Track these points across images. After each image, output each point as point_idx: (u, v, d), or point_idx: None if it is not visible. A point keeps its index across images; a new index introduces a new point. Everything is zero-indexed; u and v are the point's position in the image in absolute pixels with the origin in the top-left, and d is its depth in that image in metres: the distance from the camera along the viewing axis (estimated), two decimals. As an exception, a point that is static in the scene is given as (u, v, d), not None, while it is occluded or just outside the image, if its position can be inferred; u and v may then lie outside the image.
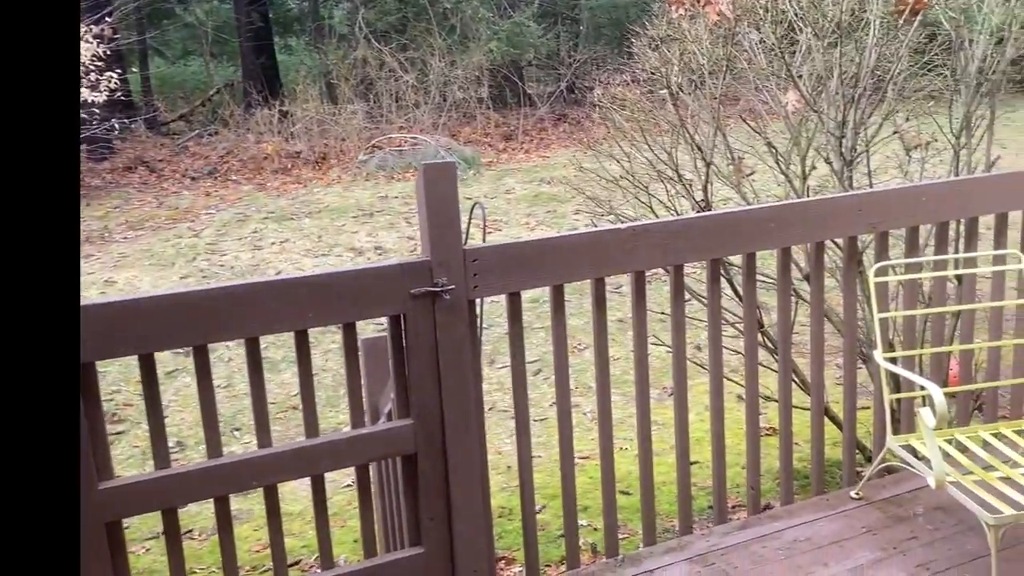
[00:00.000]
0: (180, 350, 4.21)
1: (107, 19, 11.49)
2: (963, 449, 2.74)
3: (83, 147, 11.83)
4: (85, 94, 9.56)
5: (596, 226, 2.99)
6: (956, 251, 3.22)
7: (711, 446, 2.82)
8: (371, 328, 5.21)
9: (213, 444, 2.19)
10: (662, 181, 4.07)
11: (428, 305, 2.23)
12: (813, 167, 3.77)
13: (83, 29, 9.61)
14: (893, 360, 2.93)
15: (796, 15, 3.70)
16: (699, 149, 3.82)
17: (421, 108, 13.36)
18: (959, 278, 3.12)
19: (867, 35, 3.52)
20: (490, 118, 14.05)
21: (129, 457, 4.90)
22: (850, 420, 2.97)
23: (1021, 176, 3.07)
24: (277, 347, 6.11)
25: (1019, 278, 2.93)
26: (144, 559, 4.03)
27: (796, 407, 2.98)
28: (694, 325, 3.59)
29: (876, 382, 2.93)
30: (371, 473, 2.68)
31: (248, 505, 4.34)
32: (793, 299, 3.12)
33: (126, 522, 2.22)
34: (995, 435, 2.80)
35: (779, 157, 3.77)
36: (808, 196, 3.65)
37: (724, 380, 2.81)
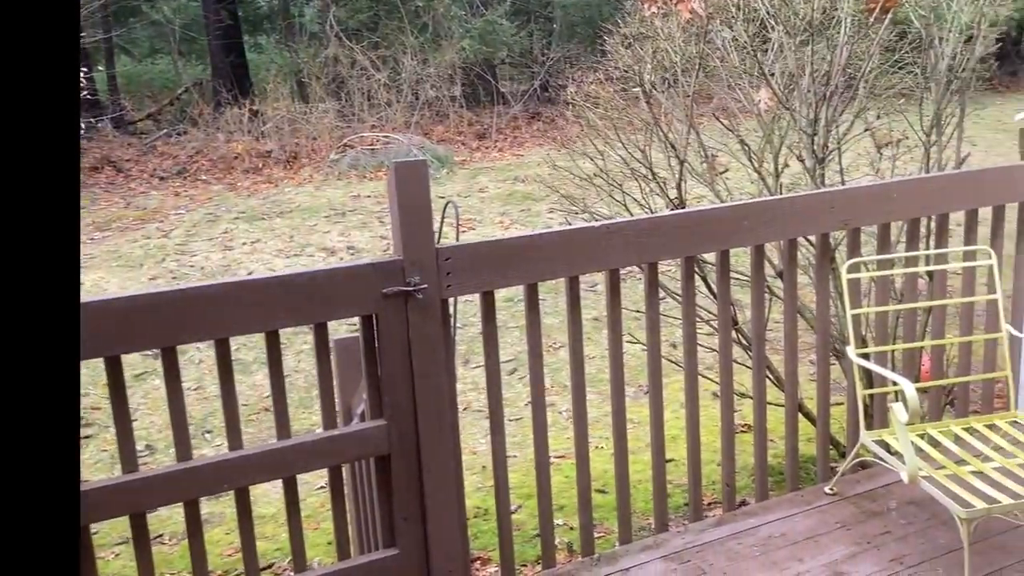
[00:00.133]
0: (149, 352, 4.15)
1: (73, 16, 11.29)
2: (935, 444, 2.76)
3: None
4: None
5: (570, 224, 2.98)
6: (927, 247, 3.25)
7: (686, 443, 2.82)
8: (344, 328, 5.17)
9: (182, 447, 2.15)
10: (636, 179, 4.07)
11: (400, 305, 2.21)
12: (786, 165, 3.79)
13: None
14: (866, 356, 2.95)
15: (768, 13, 3.72)
16: (672, 147, 3.82)
17: (393, 107, 13.29)
18: (930, 274, 3.14)
19: (838, 33, 3.54)
20: (463, 117, 14.01)
21: (97, 461, 4.82)
22: (824, 416, 2.99)
23: (991, 173, 3.10)
24: (249, 348, 6.04)
25: (989, 274, 2.96)
26: (113, 564, 3.97)
27: (770, 404, 2.99)
28: (669, 323, 3.59)
29: (849, 378, 2.95)
30: (344, 474, 2.66)
31: (220, 508, 4.28)
32: (767, 296, 3.12)
33: (94, 527, 2.18)
34: (966, 429, 2.83)
35: (752, 155, 3.79)
36: (781, 194, 3.67)
37: (699, 377, 2.81)
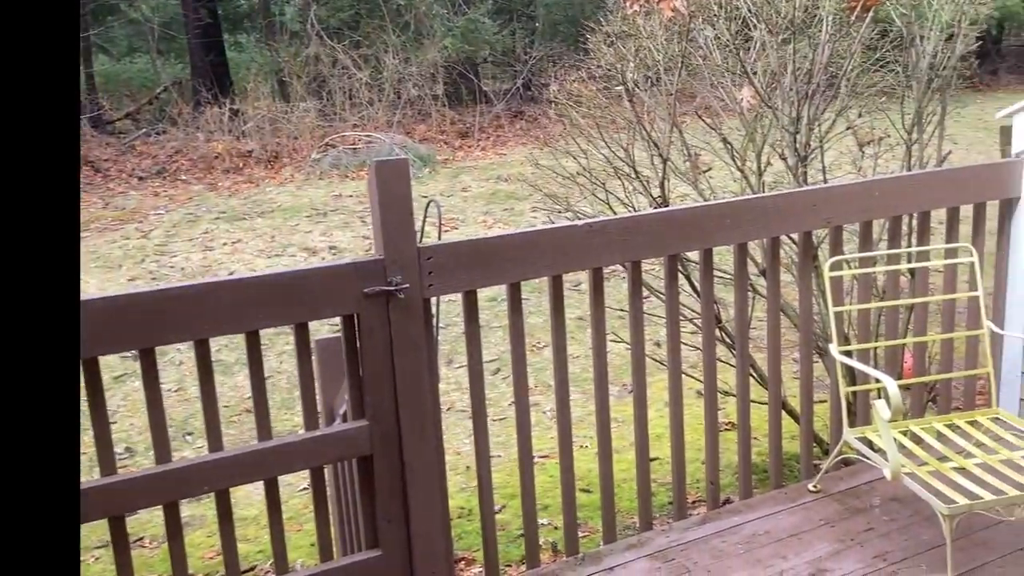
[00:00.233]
0: (127, 353, 4.10)
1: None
2: (918, 440, 2.77)
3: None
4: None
5: (553, 223, 2.97)
6: (909, 245, 3.26)
7: (670, 442, 2.82)
8: (326, 329, 5.14)
9: (161, 449, 2.13)
10: (619, 178, 4.06)
11: (382, 304, 2.20)
12: (769, 163, 3.80)
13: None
14: (848, 353, 2.96)
15: (750, 11, 3.72)
16: (656, 145, 3.82)
17: (375, 106, 13.24)
18: (912, 272, 3.15)
19: (820, 31, 3.54)
20: (445, 116, 13.98)
21: (76, 464, 4.76)
22: (807, 413, 2.99)
23: (972, 171, 3.12)
24: (231, 349, 6.00)
25: (971, 271, 2.97)
26: (94, 568, 3.92)
27: (754, 401, 2.99)
28: (653, 321, 3.59)
29: (832, 376, 2.96)
30: (327, 476, 2.64)
31: (201, 511, 4.24)
32: (750, 294, 3.12)
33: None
34: (949, 426, 2.84)
35: (735, 153, 3.79)
36: (764, 192, 3.67)
37: (683, 376, 2.81)
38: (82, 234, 9.38)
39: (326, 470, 2.76)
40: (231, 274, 7.57)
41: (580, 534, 3.09)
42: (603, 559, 2.66)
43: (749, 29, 3.81)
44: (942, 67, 3.57)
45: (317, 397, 2.43)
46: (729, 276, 3.03)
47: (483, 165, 11.93)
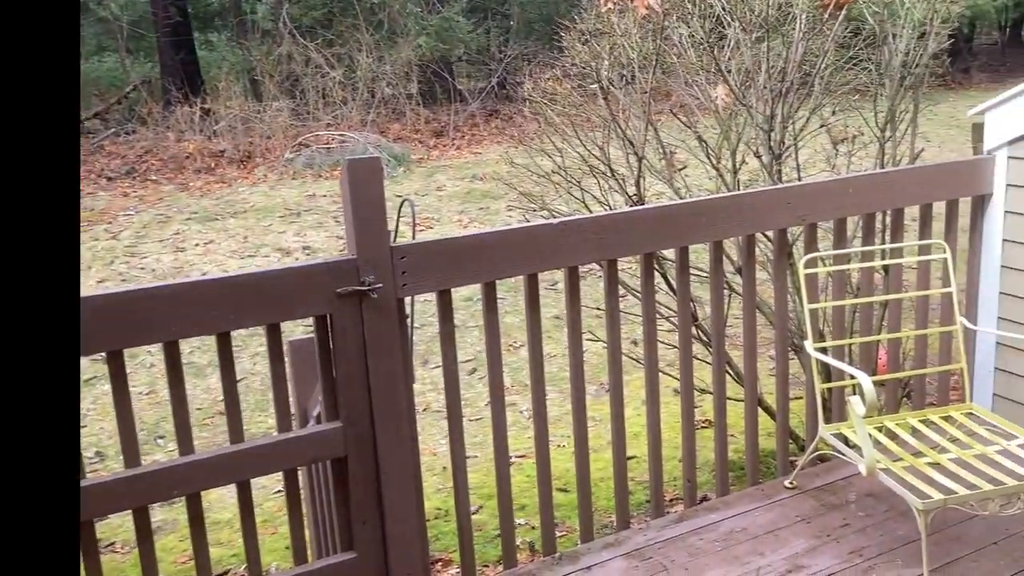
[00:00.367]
0: (97, 356, 4.04)
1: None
2: (893, 436, 2.78)
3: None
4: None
5: (528, 222, 2.96)
6: (883, 242, 3.28)
7: (647, 440, 2.81)
8: (300, 330, 5.09)
9: (131, 453, 2.09)
10: (595, 176, 4.05)
11: (355, 304, 2.17)
12: (744, 161, 3.80)
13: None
14: (824, 350, 2.97)
15: (724, 9, 3.72)
16: (631, 144, 3.81)
17: (349, 105, 13.16)
18: (886, 268, 3.17)
19: (794, 29, 3.56)
20: (420, 114, 13.92)
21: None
22: (783, 410, 3.00)
23: (945, 168, 3.14)
24: (203, 351, 5.93)
25: (944, 267, 2.99)
26: None
27: (731, 399, 3.00)
28: (629, 320, 3.58)
29: (807, 372, 2.96)
30: (301, 478, 2.61)
31: (173, 515, 4.18)
32: (726, 292, 3.13)
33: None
34: (923, 421, 2.86)
35: (710, 151, 3.79)
36: (739, 190, 3.68)
37: (660, 374, 2.80)
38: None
39: (301, 472, 2.73)
40: (203, 275, 7.49)
41: (557, 533, 3.08)
42: (580, 558, 2.65)
43: (723, 27, 3.81)
44: (914, 65, 3.59)
45: (291, 399, 2.40)
46: (705, 274, 3.03)
47: (458, 164, 11.90)
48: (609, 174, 3.94)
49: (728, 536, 2.70)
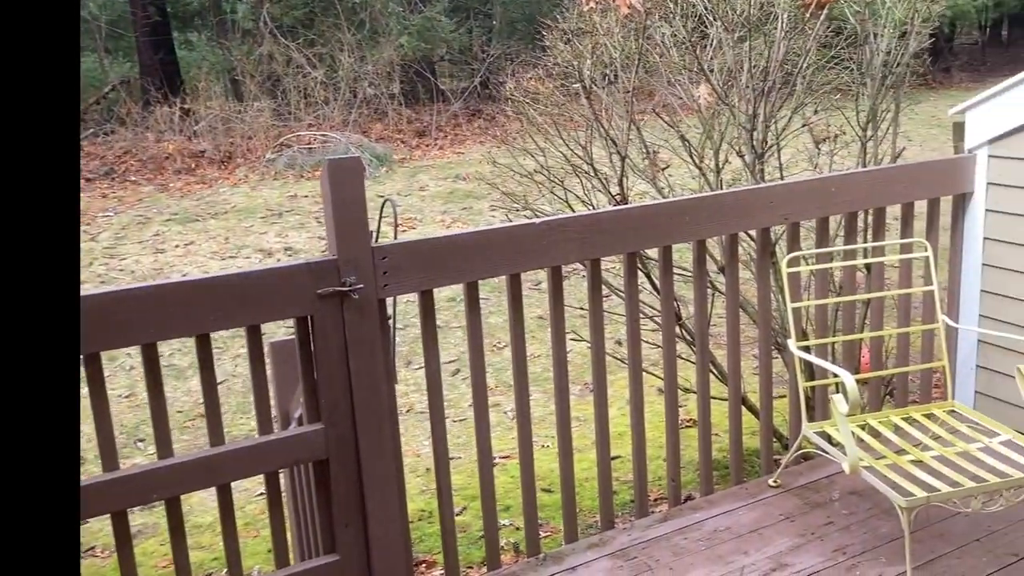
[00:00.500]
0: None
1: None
2: (876, 434, 2.79)
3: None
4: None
5: (511, 222, 2.94)
6: (865, 241, 3.29)
7: (631, 440, 2.81)
8: (283, 331, 5.05)
9: (108, 457, 2.06)
10: (578, 176, 4.04)
11: (336, 305, 2.15)
12: (727, 161, 3.80)
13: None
14: (807, 349, 2.97)
15: (706, 8, 3.72)
16: (614, 143, 3.80)
17: (331, 105, 13.10)
18: (868, 267, 3.18)
19: (775, 29, 3.56)
20: (402, 114, 13.89)
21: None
22: (767, 409, 3.00)
23: (926, 167, 3.15)
24: (183, 353, 5.88)
25: (925, 266, 3.00)
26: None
27: (714, 398, 2.99)
28: (613, 320, 3.58)
29: (791, 371, 2.97)
30: (283, 480, 2.58)
31: (154, 519, 4.14)
32: (709, 291, 3.12)
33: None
34: (906, 419, 2.87)
35: (693, 151, 3.79)
36: (722, 189, 3.68)
37: (644, 374, 2.80)
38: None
39: (283, 475, 2.70)
40: (184, 277, 7.42)
41: (542, 534, 3.07)
42: (565, 559, 2.64)
43: (705, 26, 3.81)
44: (896, 64, 3.61)
45: (272, 401, 2.38)
46: (689, 273, 3.03)
47: (441, 164, 11.87)
48: (592, 174, 3.93)
49: (712, 535, 2.70)
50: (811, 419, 3.02)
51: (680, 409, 2.93)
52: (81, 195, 10.83)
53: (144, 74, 14.82)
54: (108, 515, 2.07)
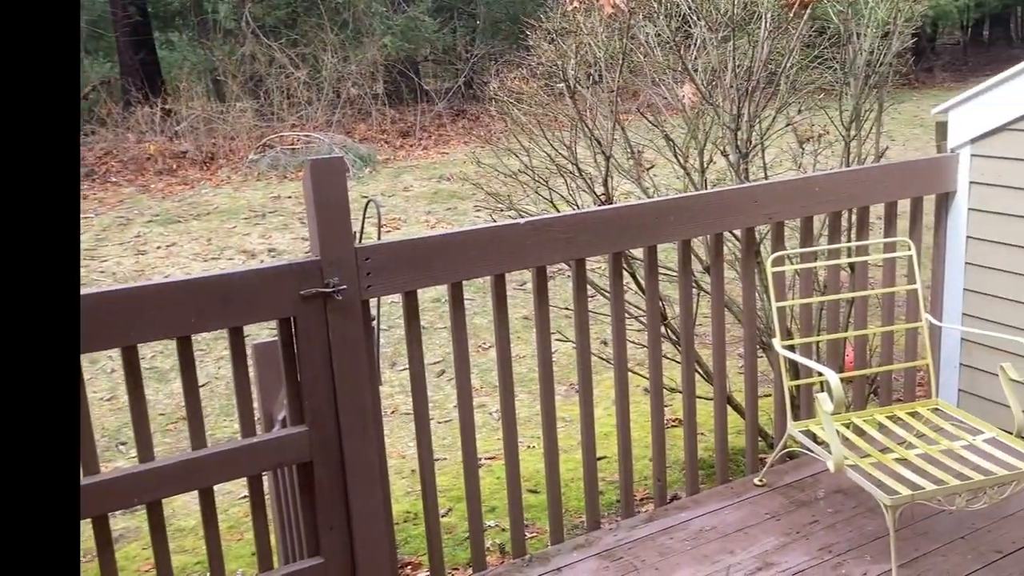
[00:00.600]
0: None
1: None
2: (860, 432, 2.80)
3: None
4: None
5: (496, 222, 2.93)
6: (849, 240, 3.30)
7: (617, 440, 2.80)
8: (266, 333, 5.02)
9: (89, 461, 2.03)
10: (562, 176, 4.03)
11: (319, 306, 2.13)
12: (711, 160, 3.81)
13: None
14: (791, 348, 2.97)
15: (690, 8, 3.72)
16: (599, 143, 3.80)
17: (314, 105, 13.05)
18: (852, 266, 3.19)
19: (759, 29, 3.57)
20: (386, 115, 13.84)
21: None
22: (752, 408, 3.00)
23: (909, 166, 3.16)
24: (166, 356, 5.83)
25: (909, 265, 3.01)
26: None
27: (700, 397, 2.99)
28: (599, 320, 3.57)
29: (776, 370, 2.97)
30: (267, 483, 2.56)
31: (136, 523, 4.10)
32: (695, 291, 3.13)
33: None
34: (890, 417, 2.88)
35: (677, 151, 3.79)
36: (707, 189, 3.68)
37: (629, 374, 2.79)
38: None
39: (266, 477, 2.68)
40: (165, 278, 7.36)
41: (528, 535, 3.06)
42: (551, 560, 2.63)
43: (689, 26, 3.81)
44: (879, 64, 3.62)
45: (255, 403, 2.36)
46: (674, 273, 3.03)
47: (425, 164, 11.85)
48: (577, 174, 3.92)
49: (698, 535, 2.70)
50: (796, 418, 3.03)
51: (666, 409, 2.93)
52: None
53: (125, 74, 14.70)
54: (89, 519, 2.05)
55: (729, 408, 3.14)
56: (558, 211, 3.87)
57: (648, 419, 2.88)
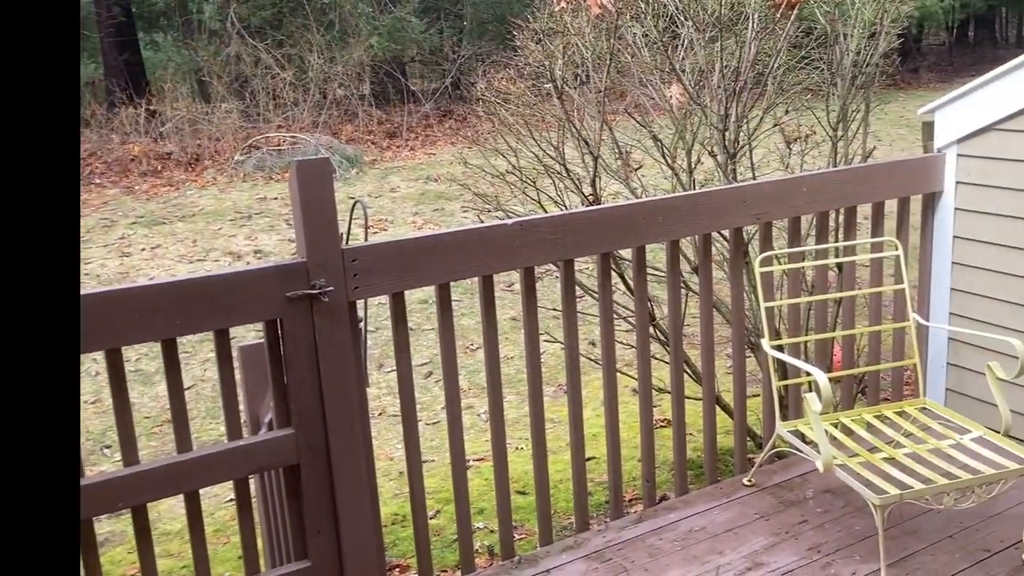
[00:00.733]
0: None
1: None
2: (848, 432, 2.80)
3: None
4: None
5: (483, 223, 2.92)
6: (836, 240, 3.31)
7: (606, 441, 2.79)
8: (252, 334, 4.98)
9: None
10: (550, 176, 4.03)
11: (306, 308, 2.12)
12: (699, 161, 3.81)
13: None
14: (780, 348, 2.98)
15: (677, 8, 3.72)
16: (586, 143, 3.79)
17: (300, 106, 12.99)
18: (840, 266, 3.19)
19: (746, 29, 3.57)
20: (373, 116, 13.81)
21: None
22: (740, 408, 3.00)
23: (896, 166, 3.17)
24: (151, 358, 5.78)
25: (896, 264, 3.02)
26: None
27: (689, 398, 2.99)
28: (587, 321, 3.56)
29: (764, 370, 2.97)
30: (253, 486, 2.54)
31: (121, 526, 4.06)
32: (683, 291, 3.12)
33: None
34: (878, 417, 2.88)
35: (665, 151, 3.79)
36: (695, 189, 3.68)
37: (618, 374, 2.78)
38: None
39: (252, 480, 2.66)
40: (150, 280, 7.31)
41: (516, 537, 3.05)
42: (540, 561, 2.62)
43: (677, 27, 3.81)
44: (865, 64, 3.63)
45: (241, 405, 2.34)
46: (662, 274, 3.03)
47: (412, 165, 11.82)
48: (564, 174, 3.91)
49: (687, 535, 2.69)
50: (785, 418, 3.03)
51: (654, 409, 2.92)
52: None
53: (109, 75, 14.61)
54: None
55: (718, 408, 3.14)
56: (546, 212, 3.86)
57: (637, 420, 2.87)
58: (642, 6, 3.77)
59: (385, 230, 8.69)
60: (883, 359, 3.19)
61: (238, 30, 13.54)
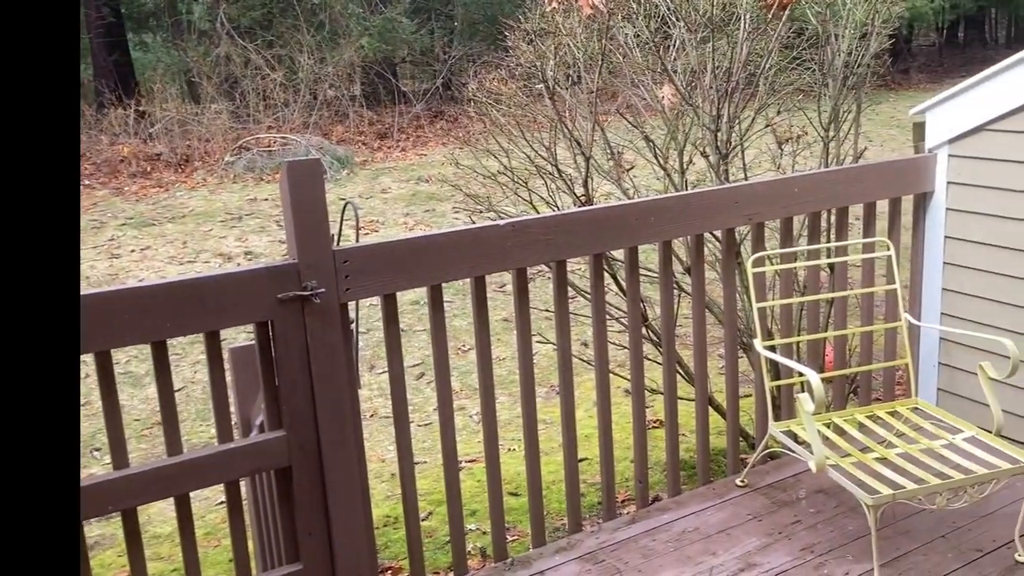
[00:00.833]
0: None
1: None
2: (841, 432, 2.80)
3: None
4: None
5: (475, 223, 2.91)
6: (828, 240, 3.31)
7: (599, 442, 2.79)
8: (243, 336, 4.96)
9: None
10: (542, 177, 4.02)
11: (297, 310, 2.11)
12: (691, 161, 3.81)
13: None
14: (772, 348, 2.98)
15: (669, 9, 3.72)
16: (578, 144, 3.79)
17: (290, 107, 12.96)
18: (832, 266, 3.20)
19: (738, 30, 3.57)
20: (363, 116, 13.78)
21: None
22: (733, 409, 3.00)
23: (887, 167, 3.18)
24: (141, 360, 5.75)
25: (888, 265, 3.02)
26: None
27: (681, 398, 2.99)
28: (580, 321, 3.56)
29: (757, 370, 2.97)
30: (244, 489, 2.52)
31: (111, 529, 4.04)
32: (676, 292, 3.12)
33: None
34: (870, 417, 2.88)
35: (657, 151, 3.79)
36: (687, 190, 3.68)
37: (611, 375, 2.78)
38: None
39: (244, 482, 2.64)
40: (140, 282, 7.28)
41: (509, 538, 3.04)
42: (532, 563, 2.61)
43: (668, 27, 3.81)
44: (857, 65, 3.64)
45: (232, 408, 2.32)
46: (655, 274, 3.02)
47: (403, 166, 11.80)
48: (556, 175, 3.91)
49: (681, 536, 2.69)
50: (777, 418, 3.03)
51: (647, 410, 2.92)
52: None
53: (98, 76, 14.54)
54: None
55: (710, 409, 3.14)
56: (538, 212, 3.86)
57: (629, 420, 2.87)
58: (633, 6, 3.76)
59: (376, 231, 8.67)
60: (875, 359, 3.19)
61: (228, 31, 13.50)
